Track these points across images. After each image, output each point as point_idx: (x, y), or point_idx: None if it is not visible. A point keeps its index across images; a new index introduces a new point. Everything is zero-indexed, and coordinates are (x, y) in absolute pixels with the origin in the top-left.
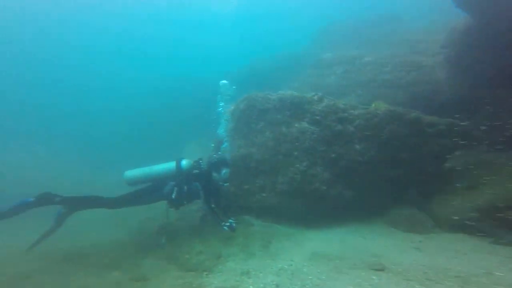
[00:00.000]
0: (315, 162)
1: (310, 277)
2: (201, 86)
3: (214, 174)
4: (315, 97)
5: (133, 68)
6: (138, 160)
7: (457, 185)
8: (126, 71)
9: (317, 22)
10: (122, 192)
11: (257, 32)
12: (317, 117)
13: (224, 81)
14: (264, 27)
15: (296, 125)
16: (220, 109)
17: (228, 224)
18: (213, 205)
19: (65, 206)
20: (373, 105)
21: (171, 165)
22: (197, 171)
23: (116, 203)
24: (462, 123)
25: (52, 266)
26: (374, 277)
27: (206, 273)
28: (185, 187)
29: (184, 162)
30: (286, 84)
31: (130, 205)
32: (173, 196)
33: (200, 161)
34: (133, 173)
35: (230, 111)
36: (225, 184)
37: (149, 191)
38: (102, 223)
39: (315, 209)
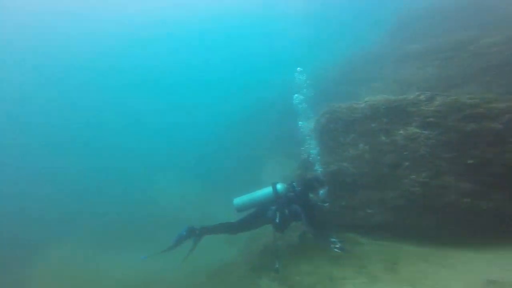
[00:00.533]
0: (440, 171)
1: None
2: (276, 102)
3: (311, 195)
4: (422, 97)
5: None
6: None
7: None
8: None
9: (389, 12)
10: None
11: (324, 32)
12: (431, 119)
13: (299, 69)
14: (330, 26)
15: (401, 131)
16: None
17: (338, 245)
18: (315, 226)
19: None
20: None
21: (268, 190)
22: (292, 193)
23: (234, 229)
24: None
25: (202, 282)
26: None
27: None
28: (286, 210)
29: (279, 186)
30: (365, 85)
31: (243, 231)
32: (277, 220)
33: (294, 184)
34: (240, 200)
35: (311, 129)
36: (325, 204)
37: (255, 216)
38: (214, 242)
39: (456, 225)
